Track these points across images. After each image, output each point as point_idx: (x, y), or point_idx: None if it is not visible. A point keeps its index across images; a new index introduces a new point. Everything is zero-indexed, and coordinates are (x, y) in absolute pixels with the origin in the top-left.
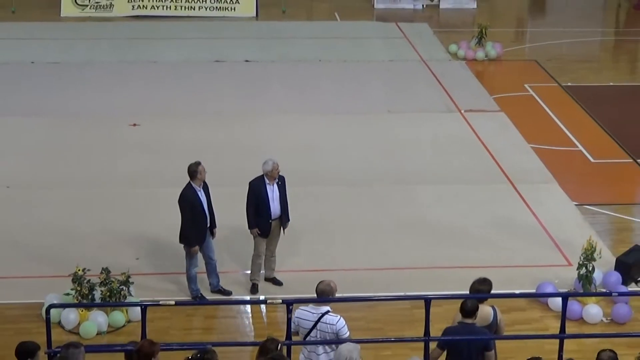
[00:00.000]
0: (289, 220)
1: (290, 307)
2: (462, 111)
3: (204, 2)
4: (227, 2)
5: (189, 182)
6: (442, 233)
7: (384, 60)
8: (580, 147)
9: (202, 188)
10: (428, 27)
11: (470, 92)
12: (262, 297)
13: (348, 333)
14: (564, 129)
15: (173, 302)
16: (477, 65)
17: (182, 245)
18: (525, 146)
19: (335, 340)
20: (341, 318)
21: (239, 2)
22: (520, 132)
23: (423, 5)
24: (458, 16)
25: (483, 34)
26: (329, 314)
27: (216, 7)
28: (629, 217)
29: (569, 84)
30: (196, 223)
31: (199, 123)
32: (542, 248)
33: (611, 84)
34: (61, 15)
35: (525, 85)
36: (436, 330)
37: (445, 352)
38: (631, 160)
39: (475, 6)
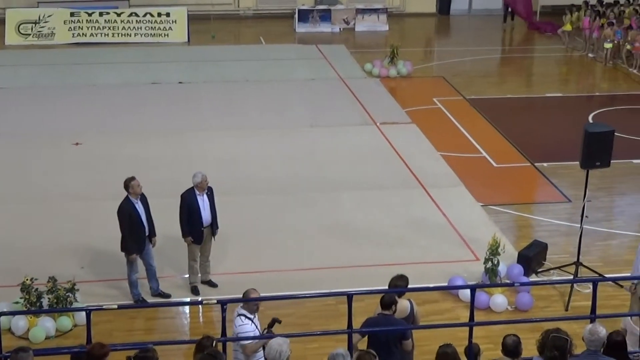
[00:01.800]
0: (218, 227)
1: (225, 307)
2: (378, 124)
3: (140, 30)
4: (161, 29)
5: (127, 195)
6: (363, 235)
7: (305, 79)
8: (484, 154)
9: (140, 200)
10: (345, 48)
11: (385, 106)
12: (198, 299)
13: (246, 333)
14: (469, 137)
15: (116, 306)
16: (390, 81)
17: (123, 254)
18: (435, 154)
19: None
20: (238, 318)
21: (172, 29)
22: (430, 141)
23: (340, 29)
24: (372, 38)
25: (395, 53)
26: (238, 316)
27: (151, 34)
28: (528, 215)
29: (473, 97)
30: (134, 233)
31: (137, 140)
32: (453, 245)
33: (509, 96)
34: (5, 44)
35: (434, 99)
36: (358, 323)
37: (365, 337)
38: (529, 164)
39: (387, 28)
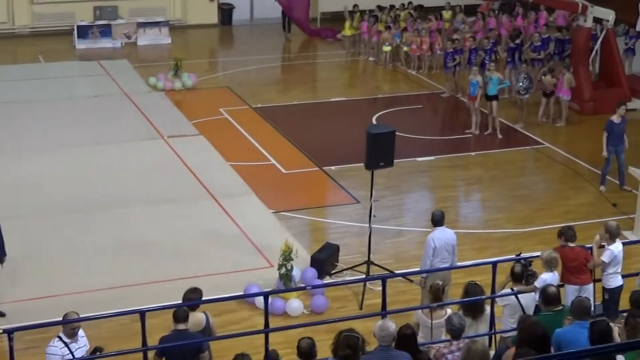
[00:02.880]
0: (5, 254)
1: (12, 336)
2: (165, 137)
3: None
4: None
5: None
6: (156, 249)
7: (88, 96)
8: (273, 161)
9: None
10: (128, 62)
11: (171, 119)
12: None
13: (49, 355)
14: (257, 146)
15: None
16: (175, 94)
17: None
18: (225, 164)
19: None
20: (52, 340)
21: None
22: (219, 151)
23: (122, 43)
24: (155, 51)
25: (179, 66)
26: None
27: None
28: (320, 219)
29: (259, 105)
30: None
31: None
32: (247, 254)
33: (296, 102)
34: None
35: (221, 110)
36: (155, 340)
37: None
38: (318, 169)
39: (170, 41)
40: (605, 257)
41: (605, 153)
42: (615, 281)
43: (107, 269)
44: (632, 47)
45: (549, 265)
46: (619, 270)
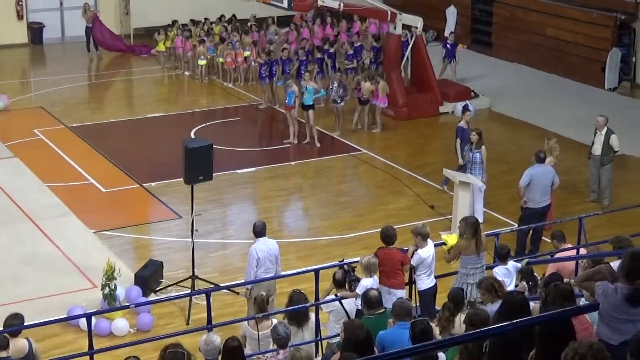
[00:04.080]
0: None
1: None
2: None
3: None
4: None
5: None
6: None
7: None
8: (92, 180)
9: None
10: None
11: None
12: None
13: None
14: (75, 165)
15: None
16: None
17: None
18: (42, 186)
19: None
20: None
21: None
22: (35, 173)
23: None
24: None
25: None
26: None
27: None
28: (142, 236)
29: (75, 124)
30: None
31: None
32: (69, 276)
33: (112, 120)
34: None
35: (35, 131)
36: None
37: None
38: (138, 186)
39: None
40: (413, 261)
41: (461, 160)
42: (426, 283)
43: None
44: (453, 53)
45: (368, 270)
46: (430, 272)
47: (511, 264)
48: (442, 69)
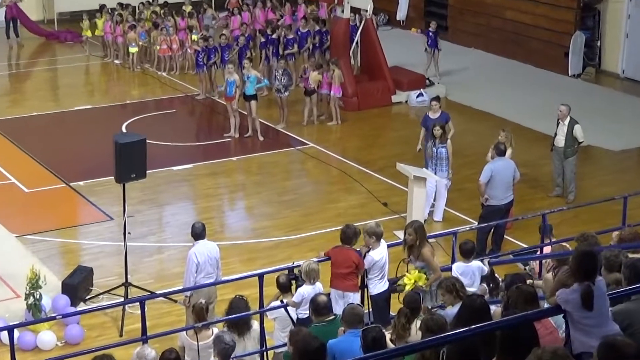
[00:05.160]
0: None
1: None
2: None
3: None
4: None
5: None
6: None
7: None
8: (13, 180)
9: None
10: None
11: None
12: None
13: None
14: None
15: None
16: None
17: None
18: None
19: None
20: None
21: None
22: None
23: None
24: None
25: None
26: None
27: None
28: (70, 240)
29: None
30: None
31: None
32: None
33: (35, 113)
34: None
35: None
36: None
37: None
38: (65, 185)
39: None
40: (365, 264)
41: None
42: (379, 287)
43: None
44: (436, 42)
45: (308, 277)
46: (383, 276)
47: (476, 264)
48: (427, 62)
